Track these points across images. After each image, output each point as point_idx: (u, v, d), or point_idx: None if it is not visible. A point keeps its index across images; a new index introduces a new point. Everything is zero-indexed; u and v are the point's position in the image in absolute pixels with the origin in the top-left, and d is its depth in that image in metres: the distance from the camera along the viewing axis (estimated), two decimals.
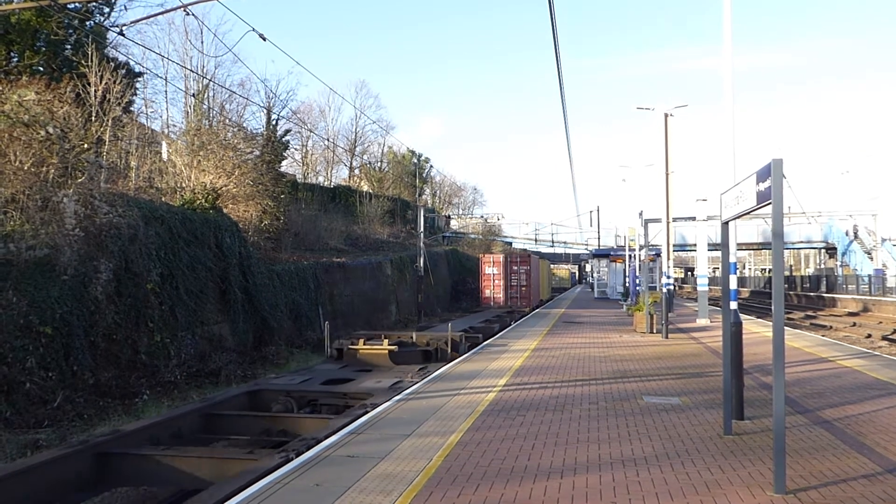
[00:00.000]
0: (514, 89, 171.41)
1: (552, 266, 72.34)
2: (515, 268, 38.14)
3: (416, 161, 69.16)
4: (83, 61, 21.09)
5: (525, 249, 72.11)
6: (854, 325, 33.86)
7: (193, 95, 32.81)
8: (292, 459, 7.47)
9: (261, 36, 13.94)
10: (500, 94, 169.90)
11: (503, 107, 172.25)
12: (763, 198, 6.08)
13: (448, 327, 18.51)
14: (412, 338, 17.82)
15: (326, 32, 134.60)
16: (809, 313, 42.71)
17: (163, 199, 21.40)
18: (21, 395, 12.05)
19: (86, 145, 17.19)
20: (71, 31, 22.16)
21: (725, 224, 7.71)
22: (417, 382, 12.34)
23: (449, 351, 16.90)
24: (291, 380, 14.05)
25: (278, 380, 14.50)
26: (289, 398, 12.58)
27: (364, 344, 16.65)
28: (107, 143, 20.77)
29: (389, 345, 16.54)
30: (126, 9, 39.25)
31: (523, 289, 38.04)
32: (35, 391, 12.31)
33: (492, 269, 38.28)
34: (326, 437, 8.44)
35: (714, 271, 79.89)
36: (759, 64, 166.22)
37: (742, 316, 9.56)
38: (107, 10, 24.56)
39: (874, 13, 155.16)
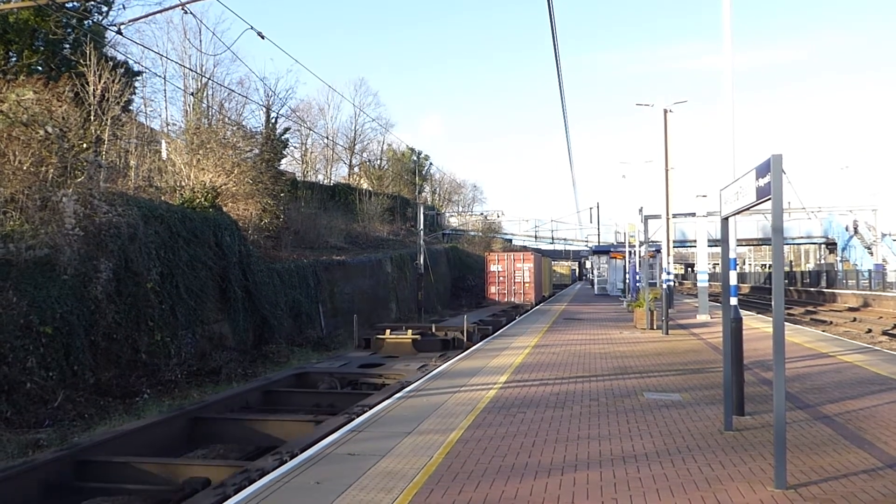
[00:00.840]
0: (514, 87, 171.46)
1: (553, 263, 72.36)
2: (519, 265, 39.51)
3: (415, 158, 69.09)
4: (81, 60, 21.05)
5: (525, 246, 72.09)
6: (854, 320, 33.83)
7: (192, 94, 32.78)
8: (354, 419, 9.00)
9: (259, 34, 13.90)
10: (499, 92, 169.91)
11: (502, 104, 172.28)
12: (763, 193, 6.07)
13: (463, 320, 20.12)
14: (431, 329, 19.83)
15: (325, 30, 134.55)
16: (810, 308, 42.70)
17: (162, 197, 21.39)
18: (22, 395, 12.05)
19: (85, 144, 17.19)
20: (69, 30, 22.12)
21: (725, 220, 7.70)
22: (440, 366, 13.92)
23: (465, 340, 18.47)
24: (331, 364, 16.17)
25: (319, 364, 16.65)
26: (333, 378, 14.28)
27: (390, 334, 18.38)
28: (106, 142, 20.75)
29: (413, 335, 18.22)
30: (124, 7, 39.12)
31: (527, 285, 39.31)
32: (35, 391, 12.32)
33: (497, 267, 39.76)
34: (381, 401, 10.26)
35: (714, 267, 79.86)
36: (758, 61, 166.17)
37: (742, 312, 9.56)
38: (105, 8, 24.50)
39: (873, 8, 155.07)
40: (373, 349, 18.29)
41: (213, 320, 19.32)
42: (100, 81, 20.68)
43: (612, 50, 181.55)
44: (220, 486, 6.92)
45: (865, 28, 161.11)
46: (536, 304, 39.03)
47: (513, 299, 38.79)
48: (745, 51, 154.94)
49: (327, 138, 56.23)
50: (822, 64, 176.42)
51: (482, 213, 66.14)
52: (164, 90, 34.08)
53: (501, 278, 39.57)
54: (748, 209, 6.77)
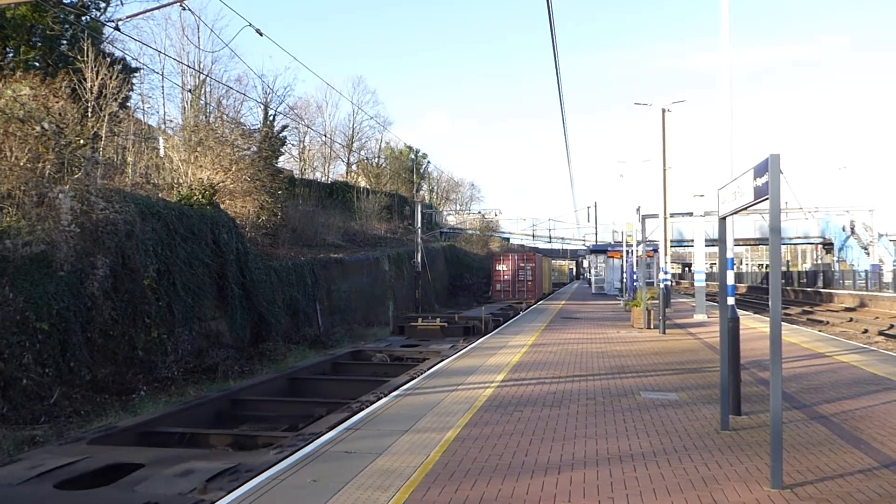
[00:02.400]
0: (513, 85, 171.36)
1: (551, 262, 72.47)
2: (523, 265, 42.82)
3: (413, 157, 69.01)
4: (79, 57, 21.00)
5: (523, 245, 72.09)
6: (851, 320, 33.86)
7: (190, 91, 32.69)
8: (416, 378, 12.04)
9: (257, 31, 13.86)
10: (498, 90, 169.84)
11: (501, 103, 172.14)
12: (760, 193, 6.07)
13: (481, 311, 24.49)
14: (455, 318, 24.15)
15: (324, 27, 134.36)
16: (806, 308, 42.75)
17: (159, 194, 21.34)
18: (18, 392, 12.03)
19: (82, 141, 17.14)
20: (67, 26, 22.07)
21: (723, 219, 7.71)
22: (467, 347, 17.08)
23: (483, 328, 22.06)
24: (378, 345, 20.32)
25: (367, 345, 20.56)
26: (383, 354, 17.72)
27: (421, 322, 22.73)
28: (103, 138, 20.70)
29: (440, 322, 22.54)
30: (122, 3, 38.79)
31: (529, 283, 42.49)
32: (32, 387, 12.29)
33: (502, 267, 43.00)
34: (431, 367, 13.66)
35: (711, 267, 79.87)
36: (756, 59, 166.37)
37: (739, 311, 9.55)
38: (103, 4, 24.45)
39: (872, 7, 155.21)
40: (407, 334, 22.30)
41: (210, 317, 19.30)
42: (97, 78, 20.63)
43: (612, 48, 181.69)
44: (345, 409, 10.09)
45: (864, 27, 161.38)
46: (537, 301, 40.93)
47: (517, 296, 41.29)
48: (744, 48, 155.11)
49: (325, 136, 56.14)
50: (821, 63, 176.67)
51: (480, 212, 66.18)
52: (162, 87, 34.08)
53: (506, 277, 42.48)
54: (746, 209, 6.77)
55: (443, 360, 14.41)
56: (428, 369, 13.36)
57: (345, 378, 15.33)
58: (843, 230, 55.26)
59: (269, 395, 13.15)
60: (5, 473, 7.66)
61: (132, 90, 27.14)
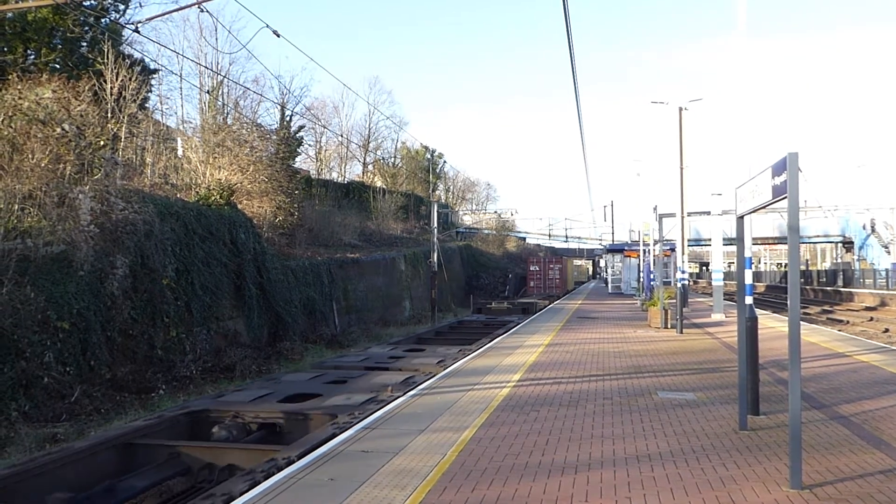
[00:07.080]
0: (529, 85, 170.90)
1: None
2: (552, 266, 53.66)
3: (429, 157, 69.03)
4: (99, 59, 21.23)
5: (539, 245, 71.98)
6: (871, 319, 33.49)
7: (208, 92, 32.88)
8: (505, 333, 20.13)
9: (274, 32, 13.94)
10: (513, 90, 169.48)
11: (517, 102, 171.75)
12: (779, 192, 6.02)
13: (534, 298, 37.63)
14: (514, 302, 35.32)
15: (341, 28, 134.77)
16: (826, 308, 42.32)
17: (178, 195, 21.52)
18: (39, 390, 12.19)
19: (102, 142, 17.34)
20: (87, 28, 22.30)
21: (741, 218, 7.65)
22: (520, 323, 24.04)
23: (535, 308, 31.69)
24: (470, 318, 30.58)
25: (465, 318, 30.87)
26: (478, 322, 27.63)
27: (494, 304, 34.70)
28: (122, 139, 20.91)
29: (507, 305, 34.12)
30: (141, 6, 39.15)
31: (558, 280, 52.72)
32: (53, 386, 12.45)
33: (535, 267, 53.52)
34: (512, 327, 22.28)
35: (729, 266, 79.29)
36: (775, 54, 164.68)
37: (757, 311, 9.47)
38: (122, 7, 24.67)
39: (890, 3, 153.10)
40: (484, 312, 33.36)
41: (228, 317, 19.43)
42: (117, 79, 20.84)
43: (629, 46, 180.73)
44: (468, 347, 17.48)
45: (885, 20, 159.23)
46: (564, 294, 48.90)
47: (547, 291, 50.18)
48: (763, 40, 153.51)
49: (342, 136, 56.31)
50: (839, 58, 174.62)
51: (496, 212, 66.07)
52: (181, 88, 34.26)
53: (538, 276, 52.84)
54: (764, 208, 6.72)
55: (515, 326, 22.65)
56: (513, 327, 22.40)
57: (462, 331, 25.37)
58: (864, 228, 54.68)
59: (433, 336, 23.11)
60: (378, 349, 18.42)
61: (151, 91, 27.36)
